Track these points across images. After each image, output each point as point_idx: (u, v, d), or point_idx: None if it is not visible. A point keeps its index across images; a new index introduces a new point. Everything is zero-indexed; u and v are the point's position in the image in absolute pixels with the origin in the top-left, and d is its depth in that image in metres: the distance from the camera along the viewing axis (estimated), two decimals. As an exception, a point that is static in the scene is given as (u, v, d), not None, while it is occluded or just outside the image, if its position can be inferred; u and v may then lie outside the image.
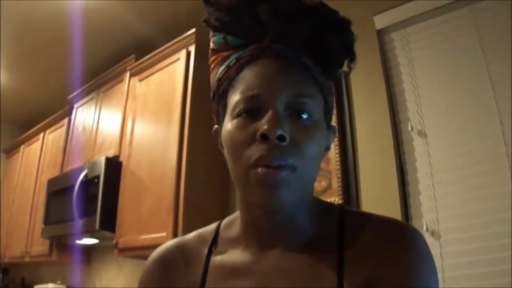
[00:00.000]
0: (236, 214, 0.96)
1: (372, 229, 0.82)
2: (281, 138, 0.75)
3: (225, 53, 0.87)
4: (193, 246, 0.97)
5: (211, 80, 0.93)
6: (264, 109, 0.78)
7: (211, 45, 0.91)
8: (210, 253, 0.94)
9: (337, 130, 2.69)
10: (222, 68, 0.88)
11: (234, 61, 0.85)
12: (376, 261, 0.77)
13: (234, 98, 0.82)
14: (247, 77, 0.82)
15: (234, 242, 0.92)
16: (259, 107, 0.79)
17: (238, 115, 0.81)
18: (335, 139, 2.68)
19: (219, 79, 0.88)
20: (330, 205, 0.95)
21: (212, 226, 1.01)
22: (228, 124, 0.82)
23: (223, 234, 0.96)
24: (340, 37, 0.85)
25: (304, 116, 0.79)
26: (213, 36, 0.90)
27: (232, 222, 0.97)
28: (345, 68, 0.90)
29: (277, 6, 0.82)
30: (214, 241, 0.96)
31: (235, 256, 0.90)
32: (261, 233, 0.87)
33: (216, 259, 0.92)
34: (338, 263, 0.79)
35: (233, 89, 0.84)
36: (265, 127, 0.75)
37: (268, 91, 0.79)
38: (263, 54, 0.83)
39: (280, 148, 0.75)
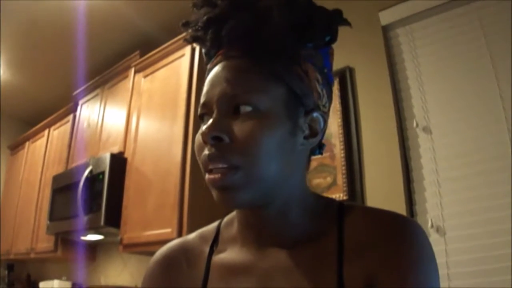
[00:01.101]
0: (235, 212, 0.97)
1: (371, 224, 0.82)
2: (216, 139, 0.77)
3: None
4: (195, 246, 0.98)
5: None
6: (213, 112, 0.81)
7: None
8: (211, 252, 0.94)
9: (339, 124, 2.72)
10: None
11: (207, 71, 0.88)
12: (376, 256, 0.77)
13: None
14: (204, 85, 0.86)
15: (233, 241, 0.92)
16: (210, 111, 0.82)
17: (201, 122, 0.84)
18: (340, 135, 2.69)
19: None
20: (329, 200, 0.93)
21: (213, 225, 1.01)
22: None
23: (223, 233, 0.97)
24: (287, 18, 0.83)
25: (248, 109, 0.78)
26: None
27: (232, 221, 0.97)
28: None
29: (210, 12, 0.84)
30: (215, 240, 0.96)
31: (235, 254, 0.90)
32: (254, 230, 0.88)
33: (217, 258, 0.92)
34: (338, 259, 0.79)
35: None
36: (202, 130, 0.78)
37: (212, 95, 0.81)
38: (220, 60, 0.85)
39: (218, 149, 0.77)
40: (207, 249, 0.95)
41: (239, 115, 0.78)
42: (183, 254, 0.97)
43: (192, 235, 1.02)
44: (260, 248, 0.87)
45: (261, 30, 0.81)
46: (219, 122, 0.78)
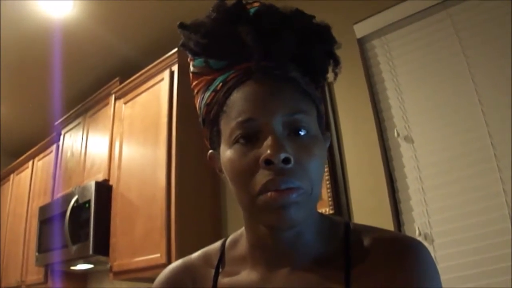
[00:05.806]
0: (241, 232, 0.95)
1: (378, 245, 0.82)
2: (286, 160, 0.73)
3: (209, 77, 0.85)
4: (199, 266, 0.96)
5: (197, 105, 0.91)
6: (262, 133, 0.76)
7: (192, 68, 0.89)
8: (217, 273, 0.92)
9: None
10: (208, 93, 0.85)
11: (220, 84, 0.83)
12: (382, 276, 0.77)
13: (228, 124, 0.80)
14: (238, 101, 0.80)
15: (240, 262, 0.91)
16: (256, 131, 0.77)
17: (235, 142, 0.78)
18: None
19: (208, 105, 0.85)
20: (335, 221, 0.93)
21: (217, 245, 0.99)
22: (227, 152, 0.80)
23: (229, 253, 0.95)
24: (322, 43, 0.85)
25: (303, 133, 0.78)
26: (193, 59, 0.88)
27: (237, 241, 0.95)
28: (330, 74, 0.90)
29: (259, 25, 0.80)
30: (221, 261, 0.94)
31: (243, 276, 0.88)
32: (268, 252, 0.86)
33: (224, 280, 0.90)
34: (346, 281, 0.79)
35: (225, 114, 0.81)
36: (268, 151, 0.72)
37: (262, 114, 0.77)
38: (250, 74, 0.80)
39: (286, 171, 0.73)
40: (212, 271, 0.93)
41: (295, 137, 0.77)
42: (188, 275, 0.95)
43: (196, 255, 1.00)
44: (270, 270, 0.85)
45: (303, 49, 0.82)
46: (284, 144, 0.74)
